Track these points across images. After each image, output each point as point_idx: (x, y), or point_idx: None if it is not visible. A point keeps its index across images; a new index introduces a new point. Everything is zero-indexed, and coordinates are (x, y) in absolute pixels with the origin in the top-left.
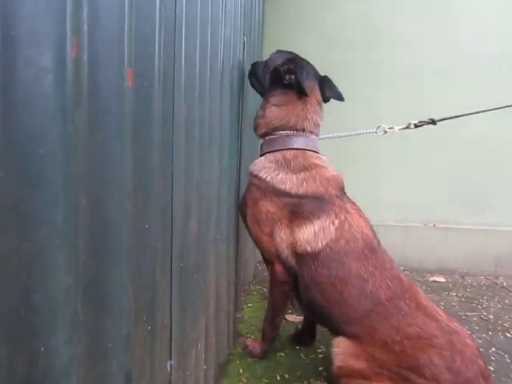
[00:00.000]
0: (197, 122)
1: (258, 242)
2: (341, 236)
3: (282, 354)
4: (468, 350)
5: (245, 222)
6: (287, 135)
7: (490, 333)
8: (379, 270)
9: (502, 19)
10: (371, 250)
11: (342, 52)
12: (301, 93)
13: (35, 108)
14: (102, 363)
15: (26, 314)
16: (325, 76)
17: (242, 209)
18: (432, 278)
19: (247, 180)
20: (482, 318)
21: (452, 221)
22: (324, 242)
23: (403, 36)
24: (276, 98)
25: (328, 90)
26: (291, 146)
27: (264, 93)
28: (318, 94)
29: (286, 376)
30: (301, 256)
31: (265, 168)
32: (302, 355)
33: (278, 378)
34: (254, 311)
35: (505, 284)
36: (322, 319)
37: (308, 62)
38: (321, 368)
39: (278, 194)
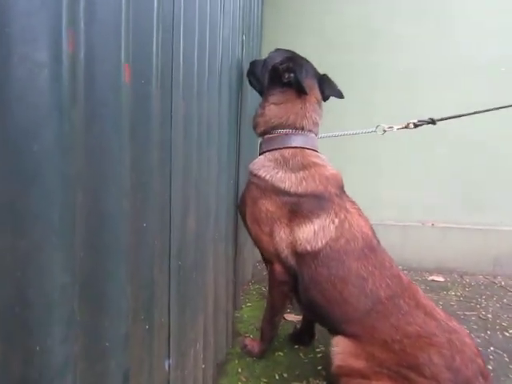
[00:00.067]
0: (195, 121)
1: (257, 242)
2: (341, 235)
3: (281, 353)
4: (467, 349)
5: (244, 221)
6: (286, 134)
7: (489, 332)
8: (379, 269)
9: (501, 21)
10: (371, 249)
11: (340, 54)
12: (300, 91)
13: (30, 104)
14: (99, 362)
15: (21, 312)
16: (324, 74)
17: (241, 208)
18: (431, 278)
19: (246, 179)
20: (480, 318)
21: (451, 220)
22: (324, 241)
23: (401, 38)
24: (275, 96)
25: (327, 89)
26: (290, 145)
27: (263, 91)
28: (317, 93)
29: (285, 375)
30: (300, 255)
31: (264, 167)
32: (301, 354)
33: (277, 377)
34: (252, 311)
35: (503, 283)
36: (321, 319)
37: (307, 61)
38: (320, 367)
39: (278, 192)
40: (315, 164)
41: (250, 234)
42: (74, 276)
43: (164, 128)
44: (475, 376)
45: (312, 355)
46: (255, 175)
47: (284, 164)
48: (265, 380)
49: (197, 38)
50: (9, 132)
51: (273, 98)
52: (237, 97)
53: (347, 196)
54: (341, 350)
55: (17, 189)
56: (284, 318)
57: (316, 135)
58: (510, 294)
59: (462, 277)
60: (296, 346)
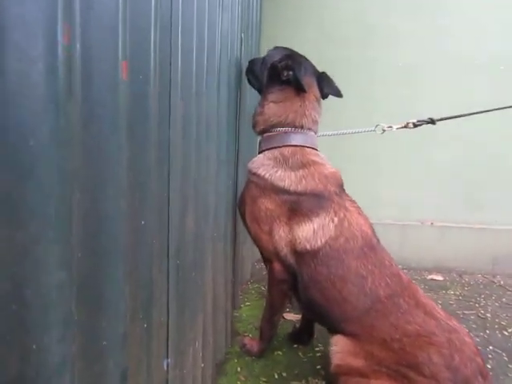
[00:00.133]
0: (194, 120)
1: (256, 241)
2: (340, 234)
3: (280, 352)
4: (467, 348)
5: (243, 220)
6: (285, 132)
7: (488, 331)
8: (378, 268)
9: (497, 17)
10: (370, 247)
11: (339, 49)
12: (299, 89)
13: (25, 97)
14: (97, 362)
15: (18, 310)
16: (323, 72)
17: (240, 207)
18: (430, 277)
19: (246, 178)
20: (479, 317)
21: (450, 219)
22: (323, 240)
23: (398, 33)
24: (274, 94)
25: (326, 87)
26: (289, 143)
27: (262, 90)
28: (316, 91)
29: (284, 374)
30: (300, 254)
31: (263, 165)
32: (300, 354)
33: (276, 376)
34: (251, 310)
35: (502, 282)
36: (320, 318)
37: (306, 59)
38: (319, 366)
39: (277, 191)
40: (315, 162)
41: (250, 232)
42: (71, 274)
43: (162, 127)
44: (474, 375)
45: (311, 354)
46: (254, 174)
47: (283, 162)
48: (264, 379)
49: (195, 35)
50: (4, 125)
51: (272, 97)
52: (236, 95)
53: (347, 195)
54: (340, 348)
55: (13, 182)
56: (283, 317)
57: (315, 133)
58: (508, 293)
59: (461, 276)
60: (295, 345)
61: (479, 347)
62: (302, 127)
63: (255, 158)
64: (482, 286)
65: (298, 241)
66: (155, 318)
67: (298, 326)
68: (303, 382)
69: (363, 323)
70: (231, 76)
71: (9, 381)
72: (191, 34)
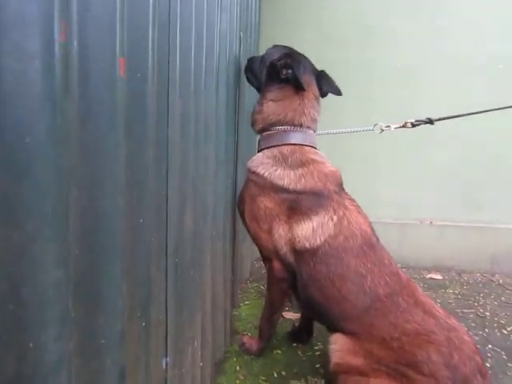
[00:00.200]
0: (192, 118)
1: (256, 239)
2: (339, 232)
3: (279, 351)
4: (466, 347)
5: (243, 218)
6: (284, 130)
7: (487, 330)
8: (378, 267)
9: (496, 18)
10: (370, 246)
11: (337, 50)
12: (298, 87)
13: (22, 94)
14: (95, 360)
15: (15, 308)
16: (322, 70)
17: (239, 205)
18: (429, 276)
19: (245, 176)
20: (478, 315)
21: (449, 218)
22: (322, 239)
23: (396, 35)
24: (273, 93)
25: (325, 85)
26: (288, 142)
27: (261, 88)
28: (315, 89)
29: (283, 373)
30: (299, 253)
31: (262, 164)
32: (299, 352)
33: (275, 375)
34: (250, 309)
35: (501, 281)
36: (319, 316)
37: (305, 57)
38: (318, 365)
39: (276, 189)
40: (314, 161)
41: (249, 231)
42: (68, 272)
43: (160, 125)
44: (473, 374)
45: (310, 353)
46: (253, 172)
47: (283, 161)
48: (263, 378)
49: (194, 34)
50: (0, 123)
51: (271, 95)
52: (234, 94)
53: (346, 193)
54: (339, 347)
55: (9, 180)
56: (282, 316)
57: (314, 132)
58: (507, 291)
59: (459, 275)
60: (294, 344)
61: (478, 346)
62: (301, 126)
63: (254, 157)
64: (480, 285)
65: (298, 239)
66: (153, 316)
67: (297, 324)
68: (302, 380)
69: (362, 322)
70: (230, 75)
71: (6, 379)
72: (189, 32)
